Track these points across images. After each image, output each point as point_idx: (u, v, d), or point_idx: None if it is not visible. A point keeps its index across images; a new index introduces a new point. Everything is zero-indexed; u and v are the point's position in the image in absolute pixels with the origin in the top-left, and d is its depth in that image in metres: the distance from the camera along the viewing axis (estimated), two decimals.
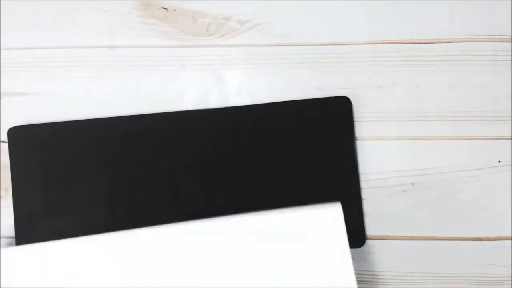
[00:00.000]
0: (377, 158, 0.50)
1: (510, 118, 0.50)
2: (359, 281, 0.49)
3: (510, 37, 0.51)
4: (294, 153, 0.49)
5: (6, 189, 0.50)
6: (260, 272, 0.43)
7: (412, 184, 0.50)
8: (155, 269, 0.44)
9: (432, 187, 0.50)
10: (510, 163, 0.50)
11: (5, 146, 0.50)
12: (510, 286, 0.49)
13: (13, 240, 0.49)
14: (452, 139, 0.50)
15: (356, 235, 0.48)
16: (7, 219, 0.49)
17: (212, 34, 0.52)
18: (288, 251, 0.43)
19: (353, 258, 0.48)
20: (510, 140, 0.50)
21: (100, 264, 0.44)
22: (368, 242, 0.49)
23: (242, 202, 0.48)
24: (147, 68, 0.51)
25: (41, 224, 0.48)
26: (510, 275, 0.49)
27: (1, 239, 0.49)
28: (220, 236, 0.44)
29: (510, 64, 0.51)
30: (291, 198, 0.48)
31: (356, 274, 0.49)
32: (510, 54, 0.51)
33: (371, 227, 0.49)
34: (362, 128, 0.50)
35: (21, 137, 0.49)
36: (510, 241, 0.49)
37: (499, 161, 0.50)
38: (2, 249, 0.45)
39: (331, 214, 0.43)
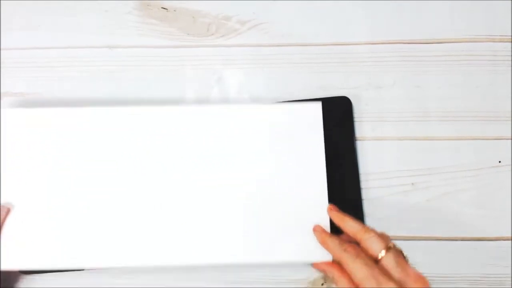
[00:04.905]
0: (377, 158, 0.50)
1: (510, 118, 0.50)
2: None
3: (510, 37, 0.51)
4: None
5: None
6: (241, 155, 0.46)
7: (412, 184, 0.50)
8: (149, 147, 0.46)
9: (432, 187, 0.50)
10: (510, 163, 0.50)
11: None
12: (510, 286, 0.49)
13: None
14: (452, 139, 0.50)
15: None
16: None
17: (212, 34, 0.52)
18: (272, 139, 0.46)
19: None
20: (510, 140, 0.50)
21: (95, 134, 0.46)
22: None
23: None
24: (147, 68, 0.51)
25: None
26: (510, 275, 0.49)
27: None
28: (210, 120, 0.46)
29: (510, 64, 0.51)
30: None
31: None
32: (510, 54, 0.51)
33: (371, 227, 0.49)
34: (362, 128, 0.50)
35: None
36: (510, 241, 0.49)
37: (499, 161, 0.50)
38: (2, 109, 0.46)
39: (312, 108, 0.47)
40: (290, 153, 0.46)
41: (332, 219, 0.43)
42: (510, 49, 0.51)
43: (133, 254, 0.44)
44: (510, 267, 0.49)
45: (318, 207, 0.44)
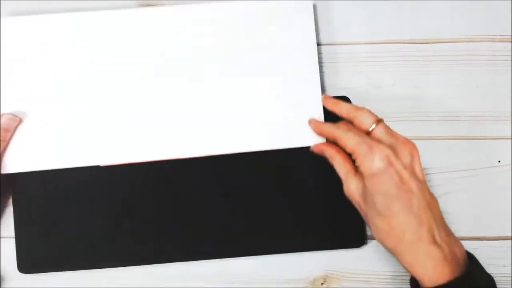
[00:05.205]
0: None
1: (510, 118, 0.50)
2: (359, 281, 0.49)
3: (510, 37, 0.51)
4: (294, 152, 0.49)
5: None
6: (234, 52, 0.47)
7: None
8: (149, 47, 0.47)
9: (432, 187, 0.50)
10: (510, 163, 0.50)
11: None
12: (510, 286, 0.49)
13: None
14: (452, 139, 0.50)
15: (356, 235, 0.48)
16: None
17: None
18: (263, 35, 0.48)
19: (353, 258, 0.49)
20: (509, 140, 0.50)
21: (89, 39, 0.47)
22: (368, 242, 0.49)
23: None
24: None
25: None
26: (510, 275, 0.49)
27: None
28: (201, 18, 0.48)
29: (510, 64, 0.51)
30: (293, 197, 0.48)
31: (356, 274, 0.49)
32: (510, 54, 0.51)
33: None
34: None
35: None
36: (510, 241, 0.49)
37: (499, 161, 0.50)
38: (2, 18, 0.47)
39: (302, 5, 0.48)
40: (282, 50, 0.47)
41: (326, 106, 0.46)
42: (510, 49, 0.51)
43: (137, 150, 0.46)
44: (510, 267, 0.49)
45: (312, 102, 0.47)
